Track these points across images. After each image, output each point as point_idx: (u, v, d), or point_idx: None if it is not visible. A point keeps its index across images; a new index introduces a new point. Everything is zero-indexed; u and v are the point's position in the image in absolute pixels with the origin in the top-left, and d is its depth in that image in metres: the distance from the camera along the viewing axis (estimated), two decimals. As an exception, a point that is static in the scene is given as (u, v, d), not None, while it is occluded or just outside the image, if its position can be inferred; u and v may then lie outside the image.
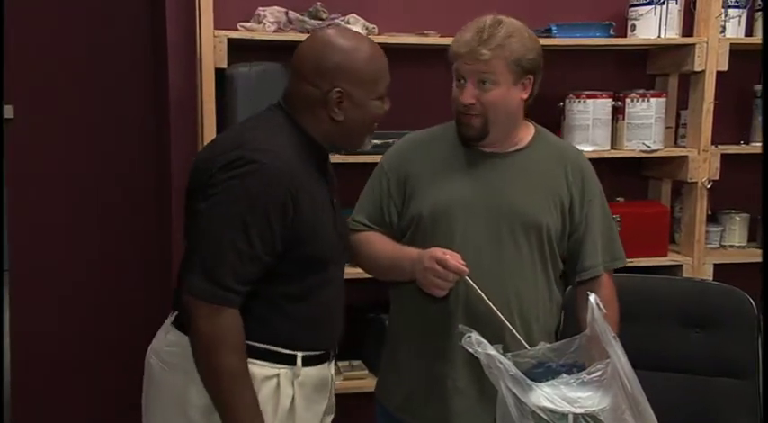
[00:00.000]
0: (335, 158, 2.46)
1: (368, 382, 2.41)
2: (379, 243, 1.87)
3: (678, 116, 2.85)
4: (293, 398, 1.63)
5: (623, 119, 2.68)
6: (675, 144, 2.84)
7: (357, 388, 2.44)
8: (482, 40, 1.71)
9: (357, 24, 2.46)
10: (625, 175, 2.87)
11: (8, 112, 3.18)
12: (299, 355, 1.63)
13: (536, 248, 1.80)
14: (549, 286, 1.84)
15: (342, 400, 1.95)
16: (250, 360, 1.58)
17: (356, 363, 2.59)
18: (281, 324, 1.61)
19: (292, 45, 2.40)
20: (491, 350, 1.55)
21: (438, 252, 1.70)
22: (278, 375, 1.61)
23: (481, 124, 1.76)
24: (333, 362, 1.76)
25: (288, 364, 1.63)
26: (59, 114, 3.15)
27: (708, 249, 2.81)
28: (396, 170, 1.87)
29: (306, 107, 1.63)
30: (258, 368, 1.59)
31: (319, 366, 1.68)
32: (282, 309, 1.61)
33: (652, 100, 2.67)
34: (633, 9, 2.70)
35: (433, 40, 2.48)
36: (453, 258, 1.68)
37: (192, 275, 1.54)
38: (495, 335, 1.67)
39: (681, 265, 2.73)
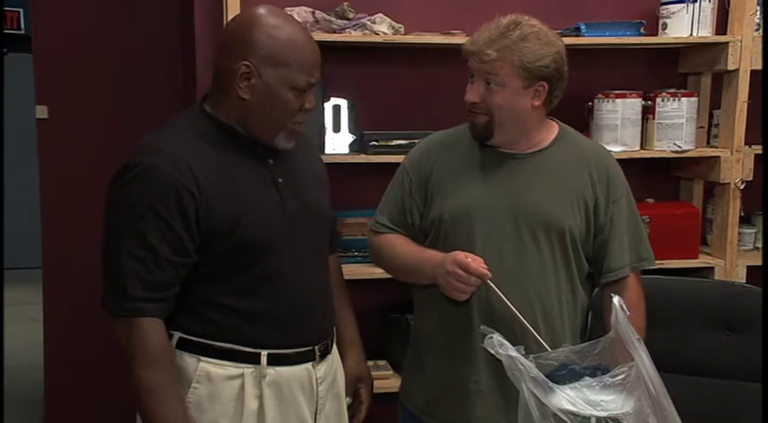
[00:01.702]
0: (360, 159, 2.50)
1: (392, 383, 2.40)
2: (400, 245, 1.85)
3: (711, 116, 2.80)
4: (261, 399, 1.58)
5: (653, 118, 2.64)
6: (708, 144, 2.80)
7: (382, 388, 2.40)
8: (491, 40, 1.69)
9: (383, 24, 2.45)
10: (655, 176, 2.83)
11: (42, 112, 3.25)
12: (264, 353, 1.57)
13: (558, 250, 1.77)
14: (573, 288, 1.81)
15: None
16: (209, 360, 1.55)
17: (381, 363, 2.58)
18: (233, 321, 1.55)
19: (319, 45, 2.43)
20: (513, 352, 1.53)
21: (460, 256, 1.67)
22: (242, 375, 1.56)
23: (485, 123, 1.74)
24: (323, 362, 1.67)
25: (252, 364, 1.57)
26: (92, 114, 3.21)
27: (741, 251, 2.76)
28: (417, 170, 1.86)
29: (222, 84, 1.55)
30: (218, 368, 1.55)
31: (297, 366, 1.62)
32: (230, 305, 1.55)
33: (683, 99, 2.62)
34: (665, 7, 2.66)
35: (459, 39, 2.45)
36: (476, 262, 1.66)
37: (104, 291, 1.52)
38: (517, 338, 1.64)
39: (713, 268, 2.68)
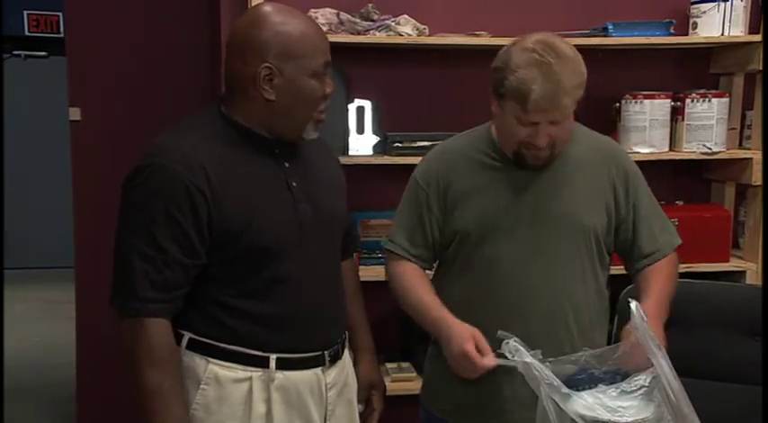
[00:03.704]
0: (384, 161, 2.50)
1: (416, 385, 2.36)
2: (419, 288, 1.79)
3: (743, 117, 2.74)
4: (270, 403, 1.57)
5: (683, 120, 2.60)
6: (740, 145, 2.74)
7: (405, 390, 2.42)
8: (563, 89, 1.60)
9: (408, 25, 2.45)
10: (686, 178, 2.79)
11: (75, 114, 3.31)
12: (273, 357, 1.56)
13: (585, 251, 1.76)
14: (600, 289, 1.81)
15: (389, 401, 1.93)
16: (218, 362, 1.55)
17: (405, 365, 2.58)
18: (243, 324, 1.55)
19: (343, 47, 2.45)
20: (528, 358, 1.51)
21: (466, 347, 1.63)
22: (250, 378, 1.56)
23: (549, 155, 1.70)
24: (333, 367, 1.66)
25: (260, 367, 1.56)
26: (124, 115, 3.26)
27: (774, 255, 2.70)
28: (435, 183, 1.80)
29: (239, 89, 1.54)
30: (227, 371, 1.55)
31: (306, 371, 1.61)
32: (240, 308, 1.55)
33: (714, 100, 2.58)
34: (695, 6, 2.61)
35: (484, 40, 2.45)
36: (481, 361, 1.62)
37: (112, 291, 1.53)
38: (551, 339, 1.65)
39: (744, 272, 2.63)
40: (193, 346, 1.56)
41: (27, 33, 6.88)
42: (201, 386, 1.55)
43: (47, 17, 6.91)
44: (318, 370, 1.63)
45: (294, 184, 1.60)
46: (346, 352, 1.74)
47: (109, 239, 3.39)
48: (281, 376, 1.58)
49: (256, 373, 1.57)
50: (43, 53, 6.83)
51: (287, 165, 1.60)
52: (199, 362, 1.56)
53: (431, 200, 1.80)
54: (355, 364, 1.80)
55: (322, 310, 1.63)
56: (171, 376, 1.51)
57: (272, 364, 1.57)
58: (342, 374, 1.70)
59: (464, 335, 1.65)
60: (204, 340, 1.56)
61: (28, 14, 6.86)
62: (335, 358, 1.67)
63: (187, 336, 1.57)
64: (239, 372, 1.56)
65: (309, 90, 1.54)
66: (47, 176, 6.58)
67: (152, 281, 1.48)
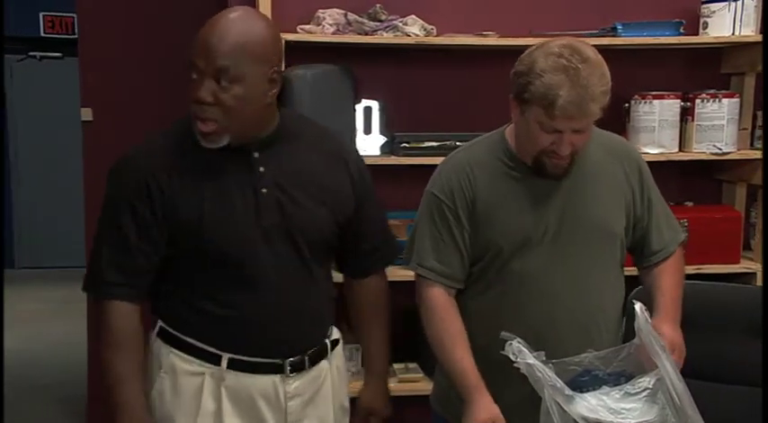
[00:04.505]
0: (391, 161, 2.49)
1: (423, 385, 2.39)
2: (456, 344, 1.72)
3: (755, 117, 2.72)
4: (220, 402, 1.59)
5: (693, 120, 2.58)
6: (751, 146, 2.72)
7: (412, 391, 2.42)
8: (590, 95, 1.55)
9: (415, 25, 2.45)
10: (696, 178, 2.77)
11: (87, 114, 3.34)
12: (225, 356, 1.58)
13: (612, 258, 1.75)
14: (622, 292, 1.81)
15: (396, 402, 1.93)
16: (177, 353, 1.60)
17: (412, 365, 2.58)
18: (200, 321, 1.59)
19: (351, 47, 2.46)
20: (531, 359, 1.50)
21: None
22: (203, 374, 1.59)
23: (570, 163, 1.67)
24: (298, 377, 1.64)
25: (213, 364, 1.59)
26: (136, 116, 3.27)
27: (784, 256, 2.67)
28: (460, 196, 1.72)
29: None
30: (183, 363, 1.61)
31: (260, 376, 1.60)
32: (198, 306, 1.59)
33: (724, 100, 2.56)
34: (706, 6, 2.60)
35: (492, 40, 2.45)
36: None
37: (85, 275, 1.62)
38: (584, 349, 1.62)
39: (755, 273, 2.61)
40: (161, 334, 1.64)
41: (42, 34, 6.92)
42: (161, 373, 1.62)
43: (62, 18, 6.96)
44: (276, 377, 1.62)
45: (264, 190, 1.58)
46: (325, 364, 1.71)
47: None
48: (232, 376, 1.60)
49: (209, 370, 1.60)
50: (58, 54, 6.87)
51: (262, 170, 1.59)
52: (163, 350, 1.63)
53: (460, 213, 1.72)
54: (364, 384, 1.82)
55: (285, 319, 1.61)
56: (131, 359, 1.57)
57: (224, 363, 1.60)
58: (311, 386, 1.68)
59: (482, 418, 1.63)
60: (169, 330, 1.63)
61: (43, 16, 6.90)
62: (299, 369, 1.64)
63: (159, 323, 1.64)
64: (195, 365, 1.61)
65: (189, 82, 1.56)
66: (61, 176, 6.62)
67: (116, 265, 1.57)
